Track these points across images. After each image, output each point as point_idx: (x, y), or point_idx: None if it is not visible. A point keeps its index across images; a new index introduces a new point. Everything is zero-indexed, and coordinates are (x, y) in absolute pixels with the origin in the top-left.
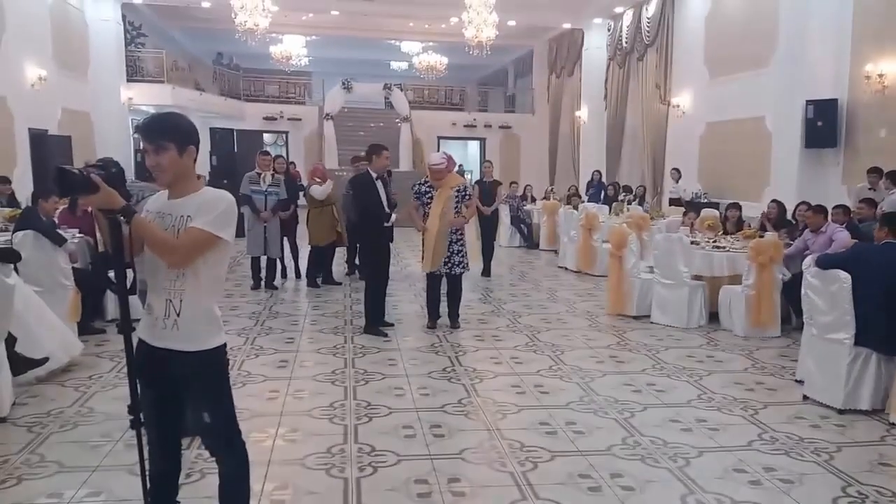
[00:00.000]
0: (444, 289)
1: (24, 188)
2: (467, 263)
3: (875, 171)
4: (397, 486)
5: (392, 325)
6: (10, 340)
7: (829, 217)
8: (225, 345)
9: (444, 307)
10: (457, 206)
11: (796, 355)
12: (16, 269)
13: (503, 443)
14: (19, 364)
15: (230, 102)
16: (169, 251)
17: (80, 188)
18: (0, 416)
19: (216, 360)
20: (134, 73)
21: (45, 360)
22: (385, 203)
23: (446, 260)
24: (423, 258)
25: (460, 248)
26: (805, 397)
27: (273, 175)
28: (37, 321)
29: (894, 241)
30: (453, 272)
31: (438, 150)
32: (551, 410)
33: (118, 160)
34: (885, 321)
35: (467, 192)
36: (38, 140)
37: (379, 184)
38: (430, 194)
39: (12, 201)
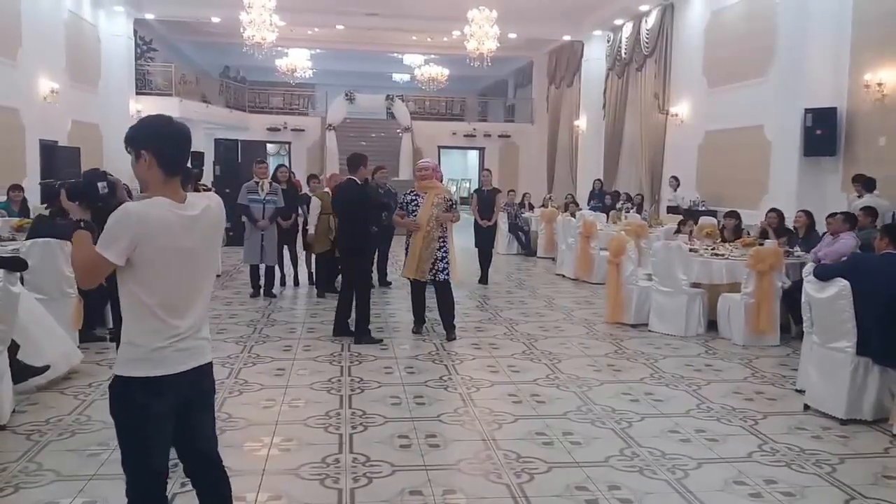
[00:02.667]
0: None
1: (32, 198)
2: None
3: (859, 179)
4: (392, 497)
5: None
6: (13, 348)
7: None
8: (136, 379)
9: (435, 314)
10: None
11: (796, 364)
12: (21, 278)
13: (499, 453)
14: (20, 372)
15: (235, 114)
16: (74, 269)
17: (49, 199)
18: (0, 423)
19: (116, 391)
20: (143, 86)
21: (46, 368)
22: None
23: (430, 266)
24: (405, 263)
25: (444, 255)
26: (806, 407)
27: (270, 184)
28: (39, 330)
29: (895, 252)
30: (438, 279)
31: (439, 160)
32: (548, 420)
33: (125, 171)
34: (885, 332)
35: (452, 202)
36: (48, 151)
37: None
38: (415, 202)
39: (23, 210)
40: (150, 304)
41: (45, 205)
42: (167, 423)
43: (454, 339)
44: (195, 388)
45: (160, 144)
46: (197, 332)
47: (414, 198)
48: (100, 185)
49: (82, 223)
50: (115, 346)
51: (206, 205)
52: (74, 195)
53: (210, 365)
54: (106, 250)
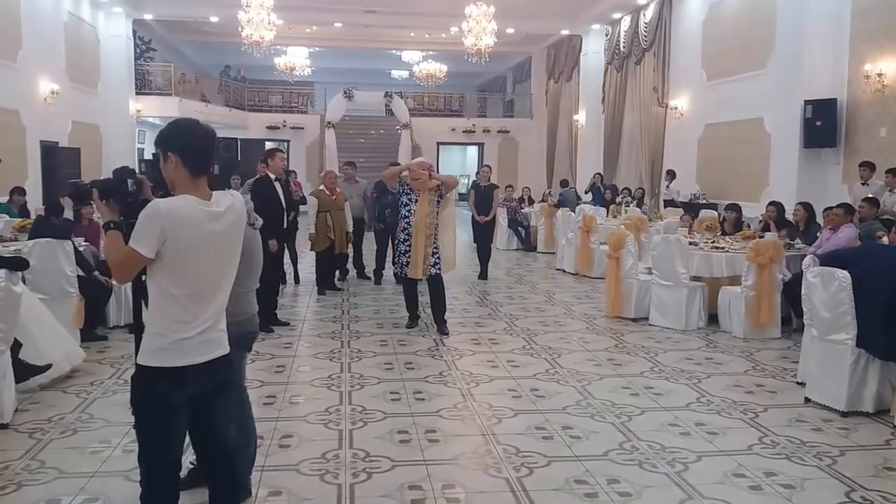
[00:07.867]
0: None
1: (34, 199)
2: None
3: (866, 165)
4: (391, 492)
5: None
6: (16, 347)
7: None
8: (160, 369)
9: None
10: (438, 203)
11: (797, 357)
12: (22, 277)
13: (498, 448)
14: (23, 371)
15: (234, 112)
16: (110, 267)
17: (79, 198)
18: (3, 422)
19: (139, 381)
20: (143, 85)
21: (48, 367)
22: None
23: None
24: (405, 263)
25: (435, 251)
26: (807, 400)
27: None
28: (41, 329)
29: None
30: (430, 273)
31: (438, 156)
32: (547, 415)
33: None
34: (886, 326)
35: (440, 184)
36: (49, 152)
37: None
38: (410, 196)
39: (23, 211)
40: (178, 294)
41: (76, 205)
42: (186, 413)
43: (446, 333)
44: (214, 379)
45: (185, 146)
46: (217, 322)
47: (409, 190)
48: (129, 181)
49: (111, 224)
50: (135, 338)
51: (231, 202)
52: (107, 193)
53: (228, 356)
54: (138, 245)
